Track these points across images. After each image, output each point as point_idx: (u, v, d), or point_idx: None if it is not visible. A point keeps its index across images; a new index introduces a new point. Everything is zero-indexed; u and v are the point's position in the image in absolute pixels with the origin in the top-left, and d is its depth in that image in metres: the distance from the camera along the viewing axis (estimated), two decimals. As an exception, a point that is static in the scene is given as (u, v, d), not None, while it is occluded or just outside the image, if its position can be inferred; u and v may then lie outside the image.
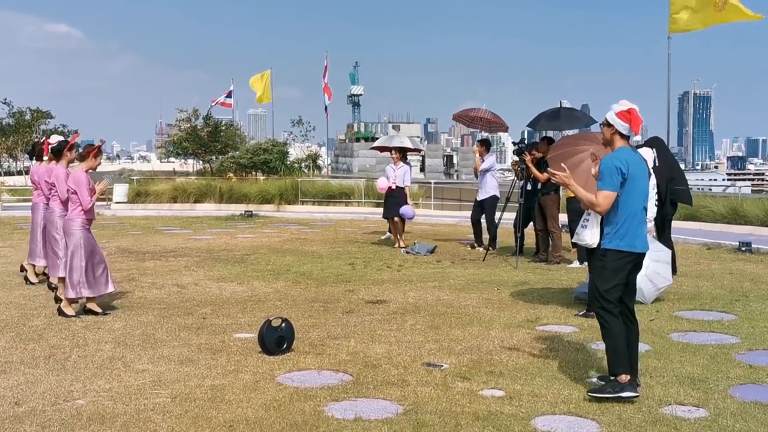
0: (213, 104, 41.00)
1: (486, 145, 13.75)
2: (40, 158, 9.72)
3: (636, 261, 5.35)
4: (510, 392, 5.37)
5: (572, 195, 11.65)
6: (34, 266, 10.01)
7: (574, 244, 11.86)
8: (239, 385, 5.53)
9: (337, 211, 22.83)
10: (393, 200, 14.08)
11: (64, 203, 8.43)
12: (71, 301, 7.98)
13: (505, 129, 14.65)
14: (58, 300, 8.52)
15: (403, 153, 16.78)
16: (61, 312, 7.87)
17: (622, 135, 5.36)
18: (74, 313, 7.88)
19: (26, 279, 9.92)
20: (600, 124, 5.62)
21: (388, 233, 15.45)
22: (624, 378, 5.19)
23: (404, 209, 13.84)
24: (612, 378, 5.25)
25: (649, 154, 9.22)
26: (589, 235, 8.05)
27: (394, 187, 14.08)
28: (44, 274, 9.91)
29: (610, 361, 5.32)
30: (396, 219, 14.12)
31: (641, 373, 5.82)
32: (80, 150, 8.35)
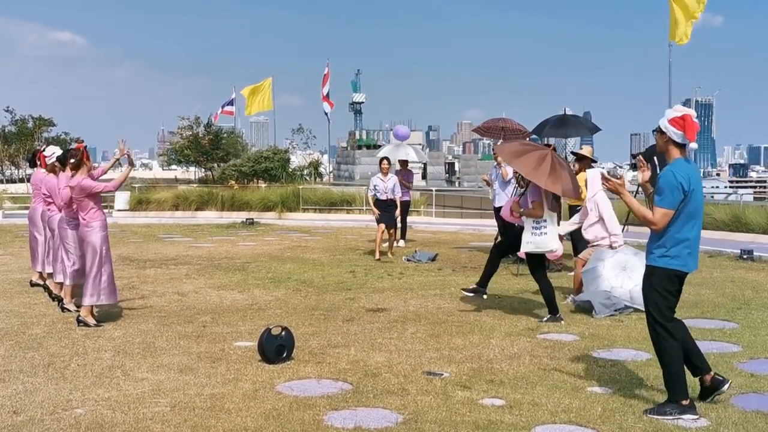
0: (215, 119, 41.13)
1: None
2: (41, 166, 9.71)
3: (684, 278, 5.17)
4: (510, 401, 5.34)
5: (574, 203, 11.70)
6: (40, 273, 9.97)
7: (576, 252, 11.86)
8: (239, 394, 5.51)
9: (339, 219, 22.83)
10: (386, 211, 13.79)
11: (68, 210, 8.37)
12: (90, 309, 7.91)
13: (524, 136, 14.40)
14: (65, 310, 8.48)
15: (403, 161, 16.78)
16: (81, 321, 7.78)
17: (677, 144, 5.05)
18: (96, 322, 7.84)
19: (46, 289, 9.65)
20: (653, 131, 5.35)
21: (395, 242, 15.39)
22: (685, 402, 5.03)
23: (398, 129, 13.27)
24: (674, 402, 5.06)
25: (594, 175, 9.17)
26: (552, 240, 8.03)
27: (385, 199, 13.76)
28: (43, 281, 9.90)
29: (668, 386, 5.12)
30: (392, 231, 14.05)
31: (642, 381, 5.80)
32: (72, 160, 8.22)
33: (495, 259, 8.49)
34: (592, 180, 9.08)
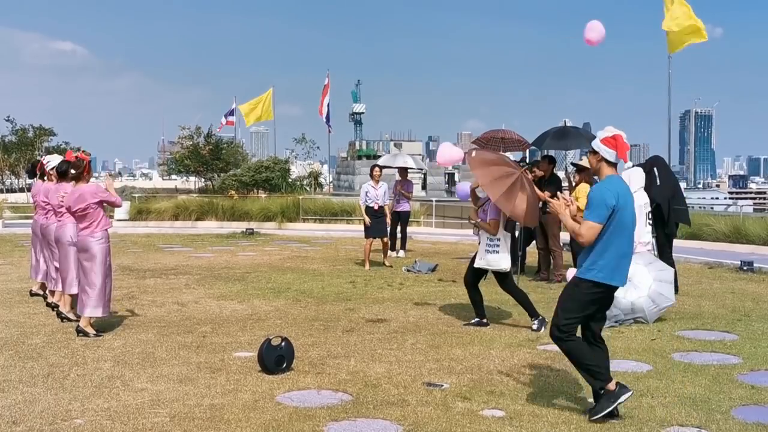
0: (219, 129, 41.29)
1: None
2: (42, 177, 9.72)
3: (609, 295, 5.27)
4: (510, 412, 5.33)
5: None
6: (42, 284, 9.97)
7: (575, 263, 11.85)
8: (238, 405, 5.50)
9: (339, 229, 22.82)
10: (377, 221, 13.79)
11: (76, 217, 8.39)
12: (89, 319, 7.88)
13: (525, 147, 14.33)
14: (65, 319, 8.47)
15: (404, 170, 16.78)
16: (80, 332, 7.76)
17: (609, 162, 5.25)
18: (95, 332, 7.83)
19: (44, 298, 9.63)
20: (586, 152, 5.55)
21: (394, 253, 15.36)
22: (612, 386, 5.16)
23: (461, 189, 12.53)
24: (602, 392, 5.19)
25: (640, 175, 9.29)
26: (504, 259, 8.09)
27: (376, 207, 13.76)
28: (44, 291, 9.88)
29: (590, 381, 5.26)
30: (386, 240, 14.07)
31: (642, 393, 5.79)
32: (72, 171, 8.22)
33: (473, 288, 8.45)
34: (627, 180, 9.19)
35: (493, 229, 8.08)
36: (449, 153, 9.22)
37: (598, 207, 5.12)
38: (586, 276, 5.20)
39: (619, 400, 5.13)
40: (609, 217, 5.10)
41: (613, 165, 5.26)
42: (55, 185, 8.93)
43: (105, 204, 8.03)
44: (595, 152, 5.29)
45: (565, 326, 5.22)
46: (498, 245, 8.08)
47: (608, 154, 5.22)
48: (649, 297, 8.41)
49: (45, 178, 9.57)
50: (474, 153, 8.19)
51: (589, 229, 5.14)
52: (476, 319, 8.45)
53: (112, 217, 24.12)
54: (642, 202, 9.02)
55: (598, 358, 5.26)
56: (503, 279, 8.32)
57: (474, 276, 8.41)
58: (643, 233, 8.93)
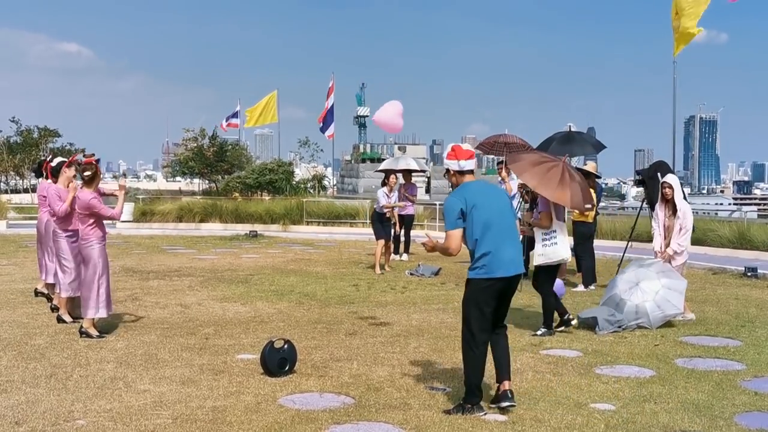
0: (220, 127, 41.37)
1: None
2: (47, 176, 9.76)
3: (505, 283, 5.44)
4: (513, 417, 5.32)
5: (579, 218, 11.69)
6: (45, 283, 9.99)
7: (579, 268, 11.85)
8: (241, 407, 5.50)
9: (342, 232, 22.82)
10: (386, 225, 13.96)
11: (62, 219, 8.49)
12: (92, 320, 7.90)
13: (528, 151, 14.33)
14: (60, 320, 8.50)
15: (408, 173, 16.79)
16: (83, 333, 7.77)
17: (460, 172, 5.53)
18: (98, 333, 7.84)
19: (50, 300, 9.58)
20: (444, 175, 5.79)
21: (397, 257, 15.35)
22: (471, 404, 5.38)
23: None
24: (463, 402, 5.43)
25: (675, 180, 9.13)
26: (564, 248, 8.06)
27: (387, 212, 13.92)
28: (48, 290, 9.89)
29: (466, 391, 5.44)
30: (389, 244, 14.10)
31: (645, 398, 5.78)
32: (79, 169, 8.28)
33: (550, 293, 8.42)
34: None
35: (546, 222, 8.09)
36: (389, 118, 9.05)
37: (446, 216, 5.42)
38: (469, 276, 5.46)
39: (469, 412, 5.32)
40: (466, 220, 5.34)
41: (465, 172, 5.53)
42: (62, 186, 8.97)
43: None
44: (447, 171, 5.59)
45: (471, 323, 5.40)
46: (555, 236, 8.05)
47: (455, 165, 5.53)
48: (655, 302, 8.39)
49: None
50: (508, 158, 8.25)
51: (448, 238, 5.42)
52: (566, 316, 8.23)
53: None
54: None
55: (480, 373, 5.43)
56: (546, 280, 8.19)
57: (542, 278, 8.24)
58: (656, 236, 8.99)
